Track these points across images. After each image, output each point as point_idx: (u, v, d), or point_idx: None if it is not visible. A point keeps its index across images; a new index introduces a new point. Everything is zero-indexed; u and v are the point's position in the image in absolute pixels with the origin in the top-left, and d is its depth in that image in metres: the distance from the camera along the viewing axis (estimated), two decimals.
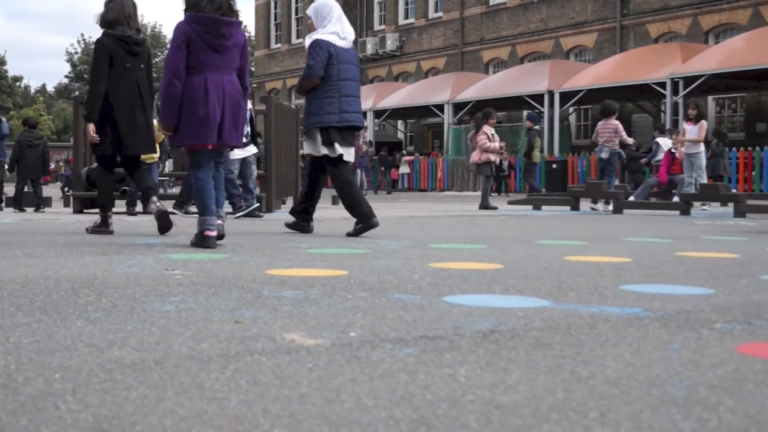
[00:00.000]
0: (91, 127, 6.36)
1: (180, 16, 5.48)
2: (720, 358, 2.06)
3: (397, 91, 32.32)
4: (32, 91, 75.42)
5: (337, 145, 6.44)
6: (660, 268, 4.24)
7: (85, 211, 10.53)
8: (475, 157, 13.29)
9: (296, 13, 41.43)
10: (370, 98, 32.31)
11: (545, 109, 25.77)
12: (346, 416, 1.53)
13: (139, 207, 10.07)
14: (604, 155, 12.75)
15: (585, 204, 12.76)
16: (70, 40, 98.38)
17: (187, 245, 5.29)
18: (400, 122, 38.34)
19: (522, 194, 21.05)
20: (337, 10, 6.62)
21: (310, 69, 6.41)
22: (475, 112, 16.81)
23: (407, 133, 38.68)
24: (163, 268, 3.98)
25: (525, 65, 30.19)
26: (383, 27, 37.92)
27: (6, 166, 14.58)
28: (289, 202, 12.05)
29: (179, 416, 1.52)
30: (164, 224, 6.19)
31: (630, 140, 13.64)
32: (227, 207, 9.69)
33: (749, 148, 21.27)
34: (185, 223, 7.45)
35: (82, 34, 71.71)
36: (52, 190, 21.74)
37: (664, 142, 15.24)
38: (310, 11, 6.69)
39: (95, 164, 7.20)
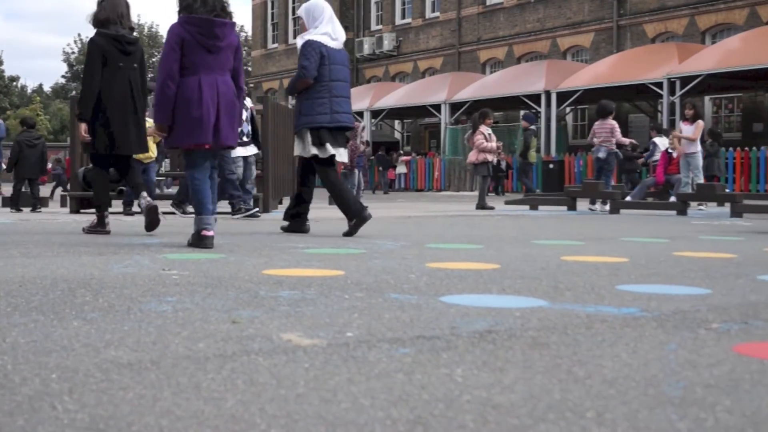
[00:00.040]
0: (83, 126, 6.38)
1: (176, 17, 5.49)
2: (717, 358, 2.07)
3: (394, 91, 32.31)
4: (29, 91, 75.32)
5: (329, 146, 6.45)
6: (657, 268, 4.25)
7: (81, 211, 10.53)
8: (472, 157, 13.28)
9: (293, 13, 41.37)
10: (366, 98, 32.30)
11: (542, 109, 25.77)
12: (343, 416, 1.53)
13: (136, 207, 10.09)
14: (601, 155, 12.76)
15: (582, 204, 12.77)
16: (67, 40, 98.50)
17: (184, 245, 5.29)
18: (397, 122, 38.33)
19: (519, 194, 21.06)
20: (329, 10, 6.64)
21: (304, 70, 6.41)
22: (472, 112, 16.84)
23: (404, 133, 38.67)
24: (160, 268, 3.98)
25: (522, 65, 30.20)
26: (380, 27, 37.91)
27: (4, 166, 14.54)
28: (286, 202, 12.04)
29: (176, 416, 1.52)
30: (152, 219, 6.20)
31: (626, 140, 13.64)
32: (227, 207, 9.70)
33: (746, 149, 21.30)
34: (183, 223, 7.45)
35: (79, 34, 71.54)
36: (45, 190, 21.69)
37: (662, 142, 15.25)
38: (301, 12, 6.71)
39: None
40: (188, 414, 1.53)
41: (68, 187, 11.87)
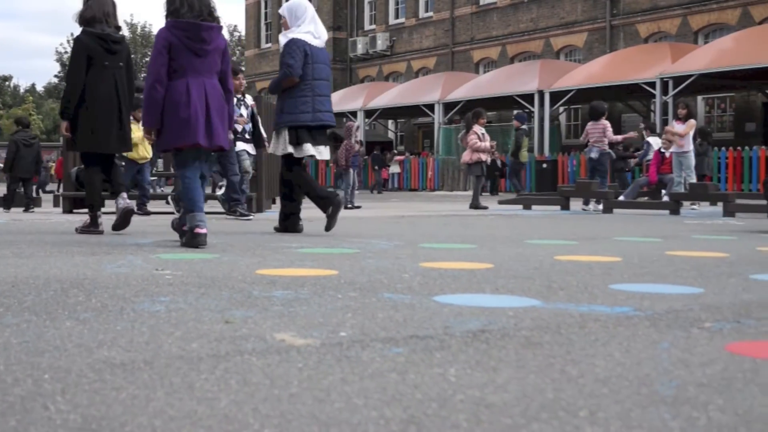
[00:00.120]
0: (64, 124, 6.41)
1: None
2: (709, 356, 2.07)
3: (387, 91, 32.33)
4: (21, 90, 75.16)
5: (309, 146, 6.47)
6: (650, 267, 4.26)
7: (74, 211, 10.51)
8: (466, 156, 13.30)
9: None
10: (360, 98, 32.30)
11: (535, 109, 25.81)
12: (336, 416, 1.53)
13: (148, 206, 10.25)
14: (594, 155, 12.79)
15: (575, 204, 12.79)
16: (60, 40, 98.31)
17: (177, 245, 5.29)
18: (390, 122, 38.34)
19: (512, 194, 21.08)
20: (311, 10, 6.66)
21: (290, 68, 6.42)
22: (466, 111, 16.82)
23: (398, 132, 38.69)
24: (153, 268, 3.97)
25: (515, 65, 30.24)
26: (374, 26, 37.92)
27: (1, 165, 14.47)
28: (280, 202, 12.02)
29: (169, 416, 1.52)
30: (123, 221, 6.23)
31: (619, 138, 13.69)
32: (219, 207, 9.70)
33: (738, 148, 21.36)
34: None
35: (72, 34, 71.28)
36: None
37: (655, 142, 15.28)
38: (283, 10, 6.72)
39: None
40: (181, 414, 1.53)
41: (46, 188, 11.84)
